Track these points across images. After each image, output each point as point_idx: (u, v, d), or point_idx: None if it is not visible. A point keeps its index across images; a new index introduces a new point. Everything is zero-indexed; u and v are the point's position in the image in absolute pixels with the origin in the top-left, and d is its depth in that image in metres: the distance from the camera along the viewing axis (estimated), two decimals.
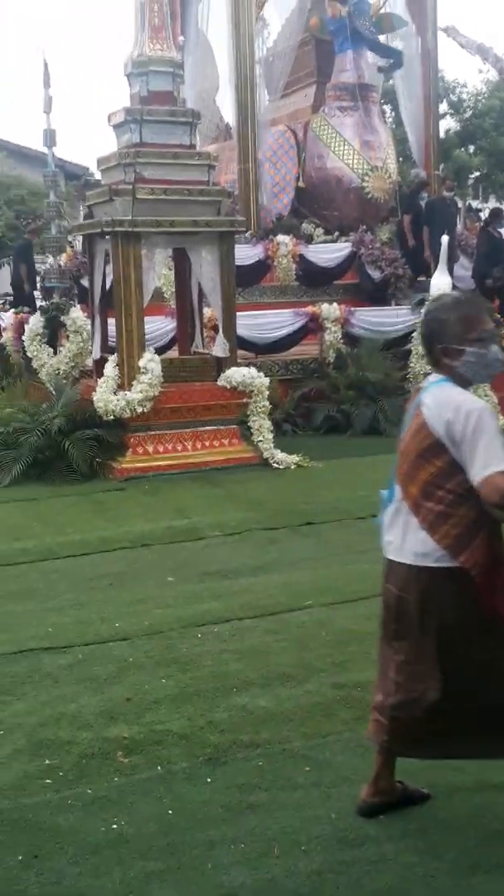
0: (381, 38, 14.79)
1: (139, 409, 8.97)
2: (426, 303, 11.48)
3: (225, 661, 4.52)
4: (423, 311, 11.43)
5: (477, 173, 27.40)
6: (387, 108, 21.57)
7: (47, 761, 3.60)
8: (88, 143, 50.18)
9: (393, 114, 22.51)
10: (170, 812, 3.23)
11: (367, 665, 4.41)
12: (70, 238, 13.27)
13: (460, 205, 19.81)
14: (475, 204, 26.72)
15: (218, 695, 4.15)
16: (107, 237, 9.18)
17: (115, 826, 3.15)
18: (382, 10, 14.79)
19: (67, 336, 10.64)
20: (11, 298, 16.16)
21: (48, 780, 3.42)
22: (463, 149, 26.51)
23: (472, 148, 26.98)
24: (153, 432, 9.19)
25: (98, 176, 20.19)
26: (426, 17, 15.02)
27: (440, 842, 3.02)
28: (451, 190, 14.74)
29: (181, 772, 3.50)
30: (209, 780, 3.45)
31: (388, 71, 15.10)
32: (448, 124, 26.32)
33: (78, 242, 12.90)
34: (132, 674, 4.40)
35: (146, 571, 6.15)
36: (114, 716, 3.96)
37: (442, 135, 20.25)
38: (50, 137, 10.50)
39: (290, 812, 3.23)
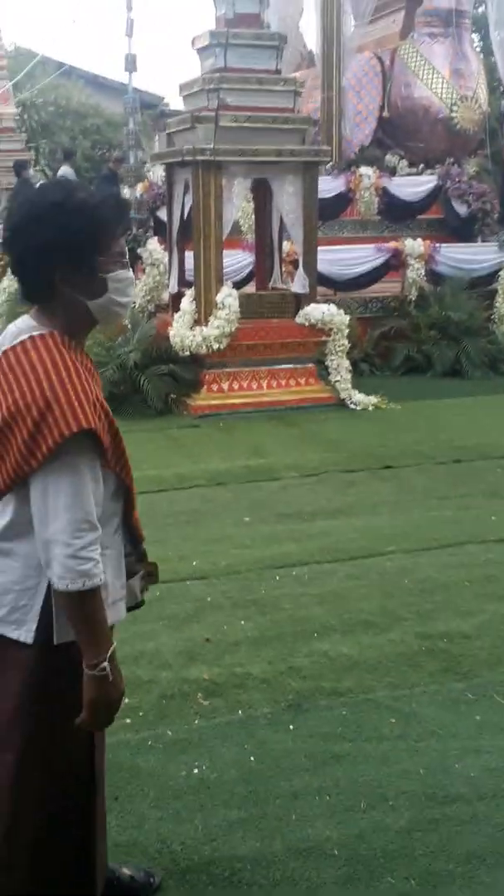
0: None
1: (216, 346, 8.80)
2: None
3: (305, 605, 4.41)
4: None
5: None
6: (475, 35, 20.66)
7: (127, 700, 3.54)
8: (163, 73, 49.37)
9: (482, 43, 21.56)
10: (252, 759, 3.15)
11: (453, 615, 4.28)
12: (147, 168, 13.04)
13: None
14: None
15: (298, 639, 4.04)
16: (187, 166, 8.94)
17: (196, 770, 3.08)
18: None
19: (144, 269, 10.48)
20: None
21: (128, 720, 3.36)
22: None
23: None
24: (229, 369, 9.03)
25: (172, 106, 19.80)
26: None
27: None
28: None
29: (262, 717, 3.42)
30: (291, 727, 3.35)
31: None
32: None
33: (154, 173, 12.66)
34: (210, 614, 4.32)
35: (222, 511, 6.05)
36: (193, 656, 3.89)
37: None
38: (131, 62, 10.22)
39: (376, 765, 3.12)
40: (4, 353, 2.06)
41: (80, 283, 2.05)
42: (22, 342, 2.04)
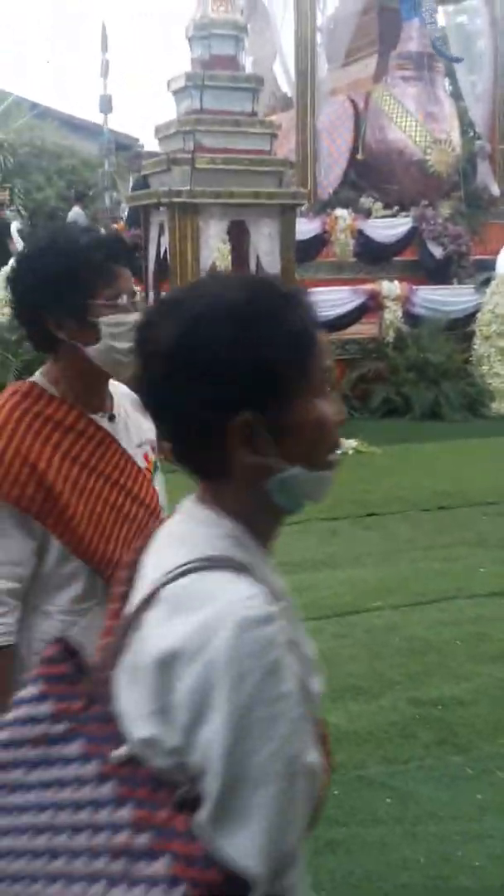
0: (443, 9, 14.16)
1: None
2: (492, 282, 11.05)
3: None
4: (488, 290, 11.04)
5: None
6: (445, 80, 20.88)
7: None
8: (138, 114, 49.78)
9: (451, 87, 21.81)
10: None
11: (446, 679, 4.08)
12: (122, 209, 12.95)
13: None
14: None
15: None
16: (162, 208, 8.83)
17: None
18: None
19: None
20: None
21: None
22: None
23: None
24: None
25: (147, 147, 19.83)
26: None
27: None
28: None
29: None
30: None
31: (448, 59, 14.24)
32: None
33: (126, 214, 12.57)
34: None
35: None
36: None
37: None
38: (106, 103, 10.15)
39: (372, 853, 2.89)
40: None
41: (74, 328, 1.94)
42: None
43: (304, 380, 1.17)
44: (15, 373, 8.58)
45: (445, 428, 9.98)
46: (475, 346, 11.20)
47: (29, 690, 1.19)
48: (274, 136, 8.92)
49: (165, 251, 8.94)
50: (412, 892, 2.72)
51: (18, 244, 14.06)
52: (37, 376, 2.04)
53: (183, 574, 1.13)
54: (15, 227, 14.70)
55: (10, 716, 1.19)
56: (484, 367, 11.07)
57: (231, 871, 1.06)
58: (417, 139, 13.51)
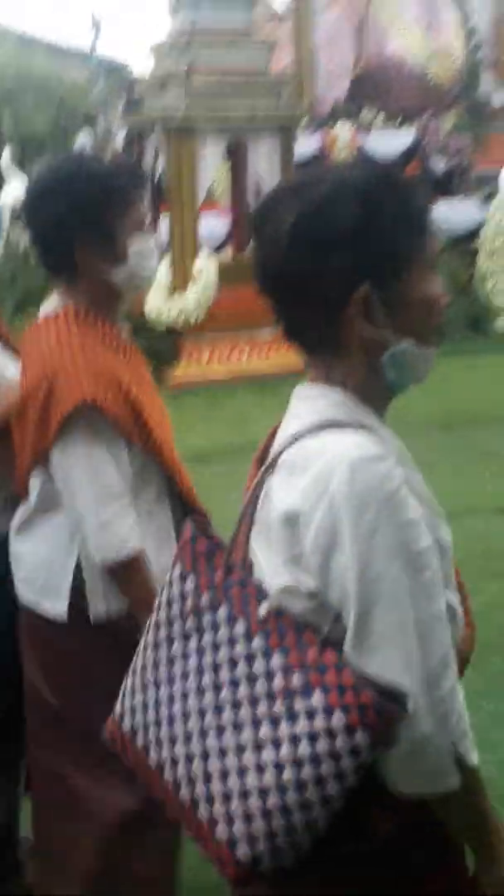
0: None
1: (194, 318, 8.57)
2: (497, 196, 10.85)
3: None
4: (492, 204, 10.85)
5: None
6: None
7: None
8: (126, 39, 48.43)
9: None
10: None
11: None
12: (115, 134, 12.66)
13: None
14: None
15: None
16: (157, 131, 8.64)
17: None
18: None
19: None
20: None
21: None
22: None
23: None
24: (208, 339, 8.80)
25: (137, 73, 19.30)
26: None
27: None
28: None
29: None
30: None
31: None
32: None
33: (120, 139, 12.32)
34: None
35: (207, 491, 5.82)
36: None
37: None
38: (95, 23, 9.84)
39: None
40: (24, 335, 2.16)
41: (100, 252, 2.02)
42: (37, 324, 2.11)
43: (419, 258, 1.26)
44: (11, 309, 8.52)
45: (449, 347, 9.86)
46: (479, 263, 11.04)
47: (173, 573, 1.31)
48: (270, 51, 8.67)
49: (160, 175, 8.78)
50: None
51: (9, 172, 13.85)
52: (65, 301, 2.09)
53: (296, 439, 1.23)
54: (6, 157, 14.42)
55: (162, 597, 1.31)
56: (489, 284, 10.94)
57: (381, 689, 1.14)
58: (418, 50, 13.15)
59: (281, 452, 1.24)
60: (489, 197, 11.05)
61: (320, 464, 1.17)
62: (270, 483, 1.25)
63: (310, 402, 1.29)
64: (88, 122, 16.38)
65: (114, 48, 48.05)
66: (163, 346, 8.75)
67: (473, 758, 1.25)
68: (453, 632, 1.25)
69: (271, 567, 1.23)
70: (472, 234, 11.25)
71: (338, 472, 1.16)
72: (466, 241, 11.23)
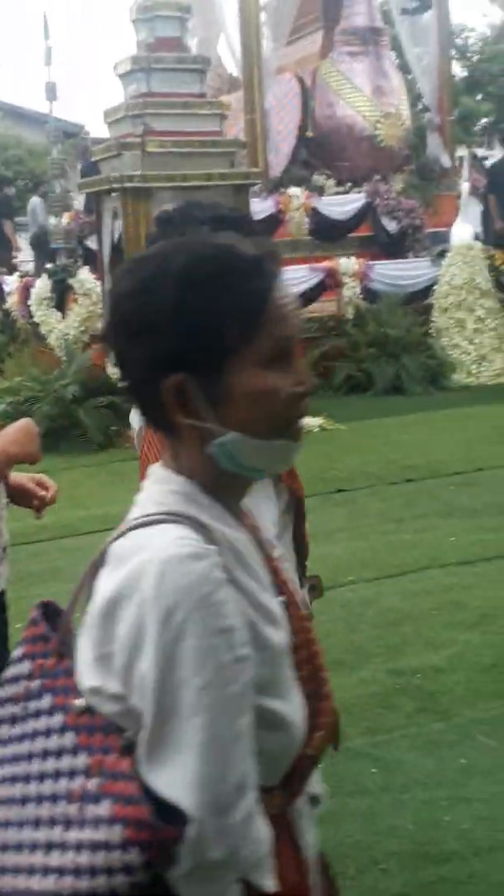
0: None
1: None
2: (447, 254, 11.09)
3: None
4: (444, 262, 11.11)
5: (485, 120, 26.63)
6: (392, 53, 20.85)
7: None
8: (83, 102, 49.24)
9: (398, 60, 21.82)
10: None
11: (423, 648, 4.12)
12: (73, 197, 12.80)
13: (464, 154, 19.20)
14: (481, 152, 26.02)
15: None
16: (115, 194, 8.76)
17: None
18: None
19: (76, 299, 10.23)
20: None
21: None
22: (470, 96, 25.74)
23: (479, 95, 26.20)
24: None
25: (93, 134, 19.61)
26: None
27: None
28: None
29: None
30: None
31: (414, 13, 14.37)
32: (453, 70, 25.52)
33: (80, 201, 12.44)
34: None
35: None
36: None
37: None
38: (51, 91, 10.02)
39: (361, 823, 2.92)
40: None
41: None
42: None
43: (247, 347, 1.15)
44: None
45: (408, 401, 10.02)
46: (434, 319, 11.24)
47: (16, 652, 1.23)
48: (223, 116, 8.87)
49: (120, 237, 8.87)
50: (402, 859, 2.75)
51: None
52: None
53: (129, 530, 1.16)
54: None
55: (6, 674, 1.23)
56: (444, 340, 11.13)
57: (163, 805, 1.05)
58: (367, 114, 13.51)
59: (112, 542, 1.17)
60: (440, 255, 11.29)
61: (135, 560, 1.11)
62: (100, 574, 1.17)
63: (156, 487, 1.21)
64: (39, 185, 16.62)
65: (71, 111, 48.71)
66: (126, 403, 8.75)
67: (270, 885, 1.14)
68: (274, 743, 1.16)
69: (84, 663, 1.15)
70: (426, 291, 11.48)
71: (148, 570, 1.08)
72: (420, 299, 11.45)
